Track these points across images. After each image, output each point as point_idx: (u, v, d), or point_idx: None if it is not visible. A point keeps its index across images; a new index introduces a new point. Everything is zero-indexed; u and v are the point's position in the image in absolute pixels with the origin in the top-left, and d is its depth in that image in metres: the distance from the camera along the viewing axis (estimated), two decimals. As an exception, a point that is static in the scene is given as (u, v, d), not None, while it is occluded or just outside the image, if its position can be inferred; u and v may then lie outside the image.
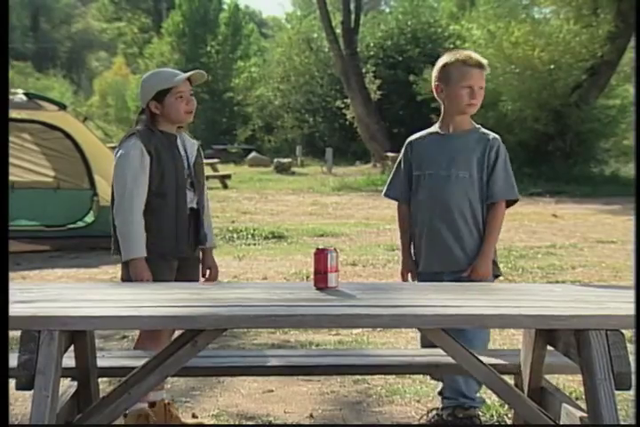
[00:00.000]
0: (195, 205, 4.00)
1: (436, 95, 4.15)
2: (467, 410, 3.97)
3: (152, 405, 4.00)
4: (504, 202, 4.10)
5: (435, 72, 4.13)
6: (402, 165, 4.23)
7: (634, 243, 2.60)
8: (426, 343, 4.07)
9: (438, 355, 3.22)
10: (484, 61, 4.08)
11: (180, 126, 4.06)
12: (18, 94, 10.69)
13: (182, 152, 4.00)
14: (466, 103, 4.03)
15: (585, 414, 2.81)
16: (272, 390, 4.78)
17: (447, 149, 4.09)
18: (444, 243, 4.05)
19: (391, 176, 4.33)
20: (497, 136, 4.15)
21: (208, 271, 4.15)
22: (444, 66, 4.07)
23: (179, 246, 3.94)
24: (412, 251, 4.25)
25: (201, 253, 4.16)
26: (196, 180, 4.01)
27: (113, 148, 13.57)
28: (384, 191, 4.32)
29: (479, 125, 4.19)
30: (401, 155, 4.27)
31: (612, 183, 21.72)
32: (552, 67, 23.14)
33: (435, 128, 4.21)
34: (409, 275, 4.26)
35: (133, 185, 3.86)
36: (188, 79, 3.97)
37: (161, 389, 4.06)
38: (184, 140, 4.05)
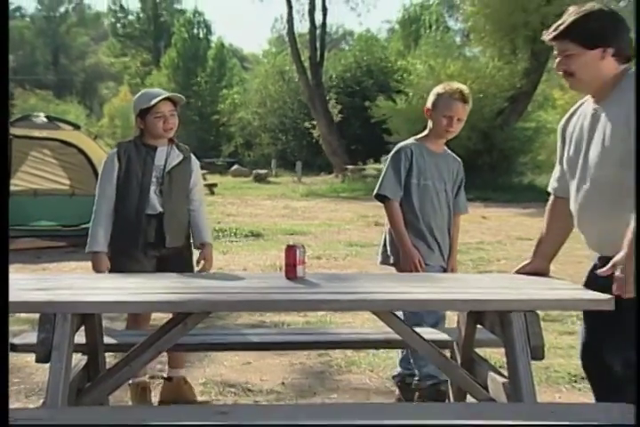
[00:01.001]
0: (161, 209, 3.84)
1: (426, 116, 4.07)
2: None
3: (169, 379, 3.99)
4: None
5: (429, 97, 4.05)
6: (400, 169, 3.99)
7: (634, 245, 2.59)
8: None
9: (388, 333, 3.20)
10: (468, 96, 3.98)
11: (171, 140, 3.94)
12: (40, 117, 10.64)
13: (161, 162, 3.86)
14: (443, 129, 3.97)
15: (506, 380, 2.82)
16: (250, 362, 4.77)
17: (438, 165, 4.04)
18: (434, 243, 4.01)
19: (385, 178, 4.03)
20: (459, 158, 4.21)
21: (202, 262, 3.97)
22: (437, 95, 3.99)
23: (134, 243, 3.81)
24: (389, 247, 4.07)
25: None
26: (168, 187, 3.84)
27: (119, 161, 13.62)
28: (377, 191, 4.03)
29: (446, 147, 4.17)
30: (398, 159, 4.02)
31: (530, 191, 21.86)
32: (480, 96, 23.23)
33: (419, 141, 4.09)
34: (418, 263, 3.91)
35: (100, 191, 3.87)
36: (172, 101, 3.87)
37: (181, 368, 4.03)
38: (170, 152, 3.91)
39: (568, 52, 2.85)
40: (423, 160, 4.02)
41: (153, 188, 3.84)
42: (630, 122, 2.67)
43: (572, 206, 2.99)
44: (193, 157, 4.06)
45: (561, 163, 3.10)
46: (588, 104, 2.96)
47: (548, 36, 2.93)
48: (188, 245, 4.02)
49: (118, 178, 3.83)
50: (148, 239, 3.83)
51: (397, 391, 4.07)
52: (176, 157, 3.93)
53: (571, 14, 2.86)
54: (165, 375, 4.05)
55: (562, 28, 2.86)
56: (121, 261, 3.83)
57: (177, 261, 3.89)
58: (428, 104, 4.03)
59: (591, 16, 2.81)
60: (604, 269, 2.65)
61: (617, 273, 2.60)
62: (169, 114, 3.84)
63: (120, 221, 3.84)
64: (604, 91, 2.85)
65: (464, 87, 4.04)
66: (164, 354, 3.91)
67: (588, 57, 2.81)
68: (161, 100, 3.80)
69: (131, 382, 3.84)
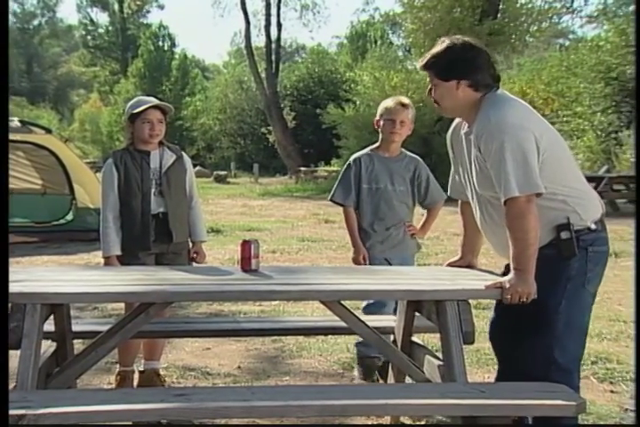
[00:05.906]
0: (163, 209, 3.75)
1: (376, 127, 4.13)
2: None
3: (142, 371, 3.89)
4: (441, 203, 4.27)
5: (378, 111, 4.10)
6: (350, 177, 4.09)
7: (634, 247, 2.60)
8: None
9: (336, 320, 3.20)
10: (406, 102, 4.06)
11: (160, 143, 3.85)
12: (14, 121, 10.44)
13: (156, 164, 3.77)
14: (389, 132, 4.03)
15: (441, 362, 2.84)
16: (209, 348, 4.74)
17: (389, 169, 4.09)
18: (395, 238, 4.11)
19: (336, 186, 4.15)
20: (418, 157, 4.24)
21: (195, 255, 3.93)
22: (382, 107, 4.07)
23: (144, 244, 3.71)
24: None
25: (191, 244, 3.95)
26: (167, 187, 3.75)
27: (88, 163, 13.36)
28: (331, 197, 4.16)
29: (404, 150, 4.21)
30: (348, 169, 4.12)
31: (465, 191, 22.13)
32: (420, 104, 23.38)
33: (373, 149, 4.15)
34: (362, 260, 4.06)
35: (104, 198, 3.76)
36: (161, 109, 3.78)
37: (156, 360, 3.92)
38: (162, 154, 3.82)
39: (432, 82, 2.86)
40: (374, 166, 4.09)
41: (153, 190, 3.74)
42: (487, 151, 2.67)
43: (475, 217, 3.01)
44: (185, 155, 3.98)
45: (456, 171, 3.12)
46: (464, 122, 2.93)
47: (418, 65, 2.95)
48: (186, 241, 3.93)
49: (119, 185, 3.73)
50: (155, 238, 3.73)
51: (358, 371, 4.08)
52: (169, 158, 3.84)
53: (436, 46, 2.84)
54: (141, 368, 3.91)
55: (424, 59, 2.86)
56: (127, 260, 3.70)
57: (174, 257, 3.82)
58: (377, 116, 4.12)
59: (448, 51, 2.79)
60: (489, 284, 2.71)
61: (504, 296, 2.65)
62: (156, 121, 3.75)
63: (127, 225, 3.73)
64: (469, 116, 2.83)
65: (404, 98, 4.15)
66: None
67: (444, 88, 2.82)
68: (150, 108, 3.72)
69: (117, 370, 3.81)
